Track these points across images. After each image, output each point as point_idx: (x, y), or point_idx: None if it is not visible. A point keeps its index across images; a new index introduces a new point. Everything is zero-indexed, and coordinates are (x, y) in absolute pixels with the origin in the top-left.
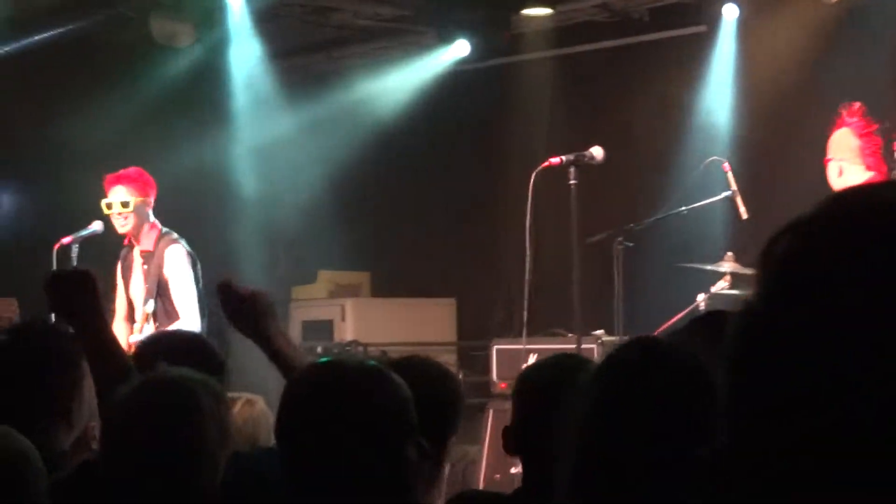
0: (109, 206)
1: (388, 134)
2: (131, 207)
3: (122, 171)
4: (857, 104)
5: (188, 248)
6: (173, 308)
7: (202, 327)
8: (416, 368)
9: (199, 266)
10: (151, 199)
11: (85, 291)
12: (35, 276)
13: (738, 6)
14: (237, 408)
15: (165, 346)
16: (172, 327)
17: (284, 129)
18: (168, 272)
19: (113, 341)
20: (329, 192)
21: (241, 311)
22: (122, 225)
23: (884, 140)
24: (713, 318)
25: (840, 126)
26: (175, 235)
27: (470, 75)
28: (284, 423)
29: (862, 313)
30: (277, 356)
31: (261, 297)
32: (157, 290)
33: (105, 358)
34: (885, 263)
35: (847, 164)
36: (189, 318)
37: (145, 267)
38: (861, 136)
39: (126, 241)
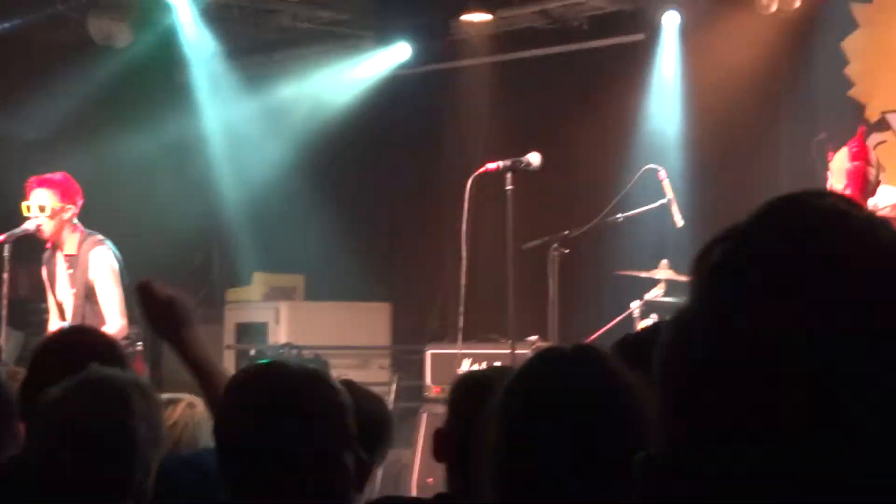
0: (28, 209)
1: (327, 137)
2: (48, 212)
3: (46, 175)
4: (863, 128)
5: (114, 250)
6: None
7: (129, 330)
8: (350, 389)
9: (124, 270)
10: (73, 206)
11: None
12: None
13: (680, 15)
14: (178, 410)
15: (63, 345)
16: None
17: (222, 130)
18: (93, 275)
19: None
20: (265, 193)
21: (160, 314)
22: (39, 229)
23: (820, 151)
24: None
25: (845, 146)
26: (99, 237)
27: (409, 79)
28: (223, 424)
29: (794, 321)
30: (194, 363)
31: (180, 302)
32: (85, 294)
33: None
34: (815, 271)
35: (834, 184)
36: (113, 322)
37: (70, 271)
38: (852, 159)
39: (48, 245)
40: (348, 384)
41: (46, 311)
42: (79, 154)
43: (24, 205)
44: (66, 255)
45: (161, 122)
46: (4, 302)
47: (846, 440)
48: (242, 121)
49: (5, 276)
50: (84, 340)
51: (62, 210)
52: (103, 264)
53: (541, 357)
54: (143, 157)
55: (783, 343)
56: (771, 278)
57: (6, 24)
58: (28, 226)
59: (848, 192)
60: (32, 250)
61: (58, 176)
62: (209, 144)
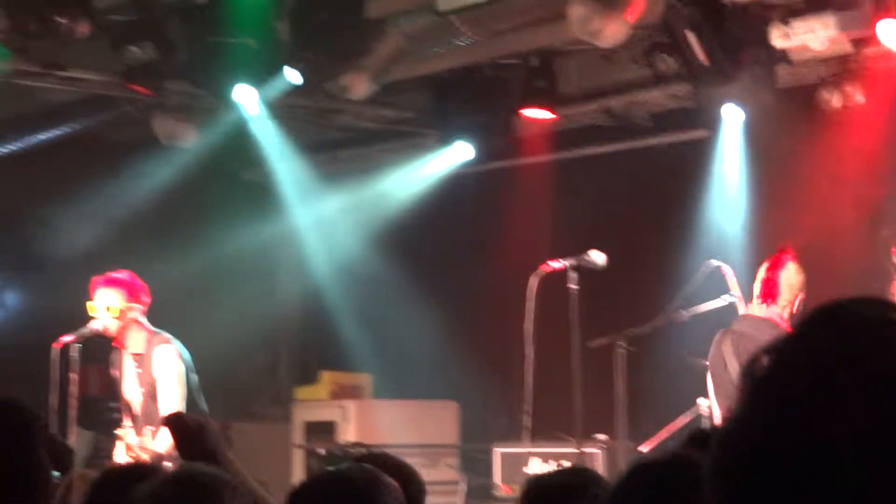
0: (93, 309)
1: (392, 236)
2: (114, 313)
3: (109, 275)
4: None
5: (181, 350)
6: None
7: None
8: (382, 465)
9: (191, 369)
10: (139, 304)
11: None
12: (37, 374)
13: (743, 110)
14: None
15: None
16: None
17: (287, 230)
18: (156, 373)
19: None
20: (332, 292)
21: (192, 443)
22: (105, 329)
23: (885, 248)
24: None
25: None
26: (166, 335)
27: (473, 177)
28: None
29: (838, 431)
30: None
31: (212, 429)
32: (151, 394)
33: None
34: (859, 382)
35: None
36: None
37: (139, 370)
38: (766, 269)
39: (115, 343)
40: (377, 458)
41: (118, 410)
42: (145, 253)
43: (89, 304)
44: (134, 355)
45: (229, 221)
46: (74, 402)
47: None
48: (309, 221)
49: (74, 375)
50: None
51: (128, 310)
52: (167, 364)
53: (638, 469)
54: (211, 255)
55: (821, 457)
56: (815, 389)
57: (74, 125)
58: (94, 325)
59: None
60: (102, 349)
61: (122, 275)
62: (277, 244)
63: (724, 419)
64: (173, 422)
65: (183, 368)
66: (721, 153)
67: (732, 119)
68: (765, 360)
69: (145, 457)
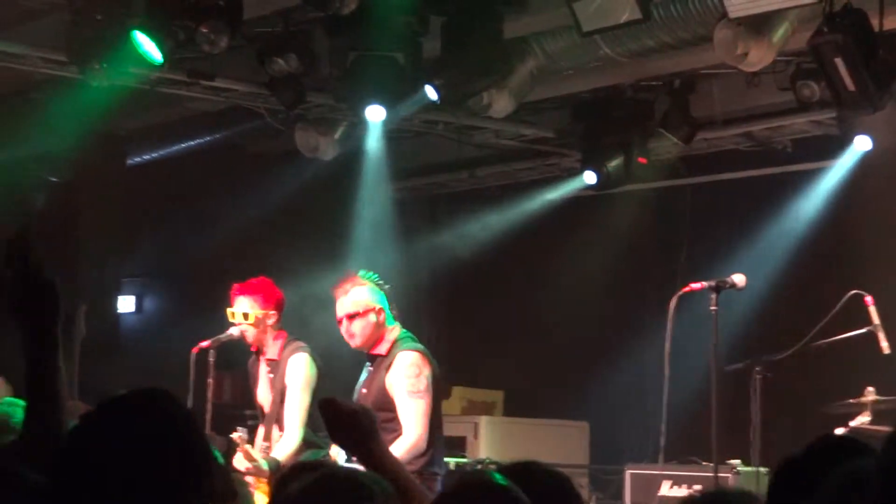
0: (233, 316)
1: (528, 252)
2: (251, 319)
3: (247, 282)
4: None
5: (314, 358)
6: None
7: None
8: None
9: (323, 375)
10: (275, 311)
11: None
12: (174, 379)
13: (883, 140)
14: None
15: None
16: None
17: (418, 244)
18: (287, 380)
19: None
20: (466, 309)
21: (344, 429)
22: (243, 335)
23: None
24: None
25: None
26: (302, 344)
27: (612, 198)
28: None
29: None
30: (382, 476)
31: (364, 416)
32: (281, 399)
33: None
34: None
35: None
36: (291, 430)
37: (271, 376)
38: None
39: (253, 349)
40: (527, 467)
41: (250, 417)
42: (281, 261)
43: (228, 311)
44: (268, 360)
45: (365, 235)
46: (209, 406)
47: None
48: (439, 238)
49: (210, 381)
50: None
51: (265, 317)
52: (299, 371)
53: None
54: (343, 267)
55: None
56: None
57: (217, 134)
58: (233, 332)
59: None
60: (236, 357)
61: (258, 282)
62: (409, 258)
63: None
64: (326, 407)
65: (314, 377)
66: (855, 180)
67: (864, 146)
68: None
69: (260, 460)
